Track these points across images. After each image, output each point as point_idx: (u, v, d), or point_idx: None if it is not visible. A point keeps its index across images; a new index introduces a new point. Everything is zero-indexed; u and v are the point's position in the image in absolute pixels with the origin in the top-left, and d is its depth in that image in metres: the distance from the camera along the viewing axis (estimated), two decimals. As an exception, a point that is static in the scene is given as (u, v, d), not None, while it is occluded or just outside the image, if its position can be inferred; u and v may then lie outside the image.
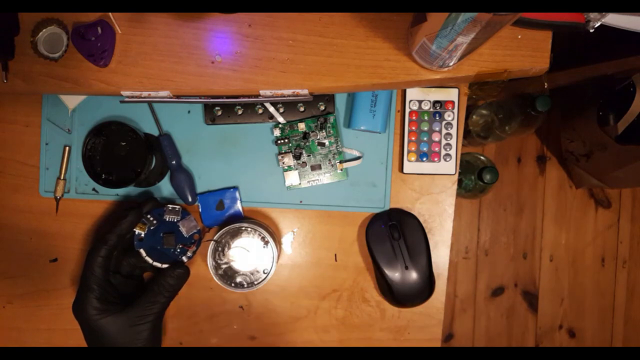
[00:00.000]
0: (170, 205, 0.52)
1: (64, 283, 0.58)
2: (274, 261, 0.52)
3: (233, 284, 0.52)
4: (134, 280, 0.55)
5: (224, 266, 0.52)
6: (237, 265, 0.52)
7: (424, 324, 0.58)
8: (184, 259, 0.52)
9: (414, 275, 0.55)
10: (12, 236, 0.58)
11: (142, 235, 0.52)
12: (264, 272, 0.53)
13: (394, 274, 0.55)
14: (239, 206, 0.57)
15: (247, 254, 0.52)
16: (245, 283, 0.52)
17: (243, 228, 0.52)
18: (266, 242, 0.52)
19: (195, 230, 0.53)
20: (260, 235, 0.52)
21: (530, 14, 0.45)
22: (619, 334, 1.36)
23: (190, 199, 0.56)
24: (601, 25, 0.46)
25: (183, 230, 0.52)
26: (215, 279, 0.52)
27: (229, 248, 0.52)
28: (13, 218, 0.58)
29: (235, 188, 0.57)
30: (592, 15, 0.45)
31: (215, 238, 0.52)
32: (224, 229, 0.52)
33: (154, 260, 0.52)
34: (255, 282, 0.52)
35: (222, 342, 0.58)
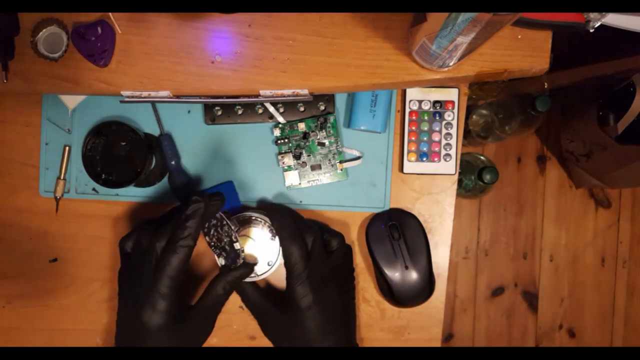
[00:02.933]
0: (213, 220, 0.49)
1: (63, 283, 0.58)
2: (279, 254, 0.52)
3: None
4: None
5: None
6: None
7: (424, 324, 0.58)
8: (237, 245, 0.49)
9: (414, 275, 0.55)
10: (12, 236, 0.58)
11: (223, 261, 0.50)
12: (268, 264, 0.52)
13: (394, 274, 0.54)
14: (236, 198, 0.56)
15: (254, 243, 0.52)
16: None
17: (253, 218, 0.52)
18: (274, 235, 0.52)
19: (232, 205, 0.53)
20: (269, 227, 0.52)
21: (530, 14, 0.45)
22: (619, 334, 1.36)
23: (188, 200, 0.56)
24: (601, 25, 0.46)
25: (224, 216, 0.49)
26: (219, 264, 0.52)
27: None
28: (13, 218, 0.58)
29: (229, 182, 0.56)
30: (592, 15, 0.45)
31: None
32: (234, 217, 0.52)
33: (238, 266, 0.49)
34: (259, 274, 0.52)
35: (222, 342, 0.58)
